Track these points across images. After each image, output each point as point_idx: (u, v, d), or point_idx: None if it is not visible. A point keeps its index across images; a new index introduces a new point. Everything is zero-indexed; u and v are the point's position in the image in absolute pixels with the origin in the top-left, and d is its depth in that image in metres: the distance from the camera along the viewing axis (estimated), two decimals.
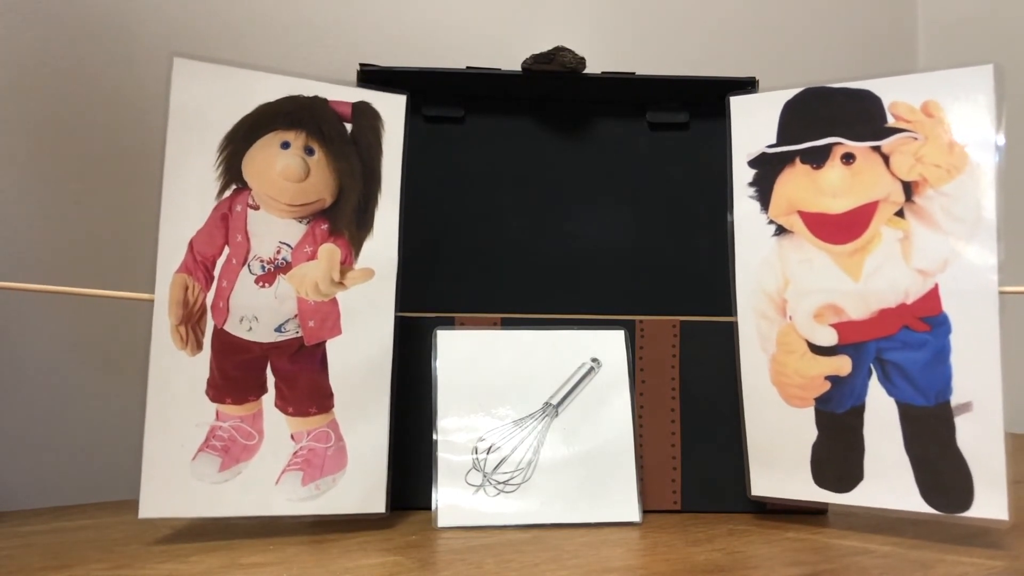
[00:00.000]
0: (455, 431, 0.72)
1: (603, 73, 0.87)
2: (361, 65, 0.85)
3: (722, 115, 0.76)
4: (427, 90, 0.89)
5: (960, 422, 0.65)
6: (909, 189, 0.68)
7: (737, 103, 0.75)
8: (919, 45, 1.45)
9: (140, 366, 0.68)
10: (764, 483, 0.72)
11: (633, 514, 0.71)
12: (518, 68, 0.85)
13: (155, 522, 0.71)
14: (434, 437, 0.72)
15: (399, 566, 0.60)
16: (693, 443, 0.76)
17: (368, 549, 0.64)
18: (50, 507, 0.78)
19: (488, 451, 0.72)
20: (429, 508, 0.70)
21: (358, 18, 1.00)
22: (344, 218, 0.72)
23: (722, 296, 0.76)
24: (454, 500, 0.70)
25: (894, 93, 0.69)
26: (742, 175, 0.74)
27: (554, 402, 0.74)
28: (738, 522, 0.73)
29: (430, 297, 0.87)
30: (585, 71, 0.85)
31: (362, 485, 0.69)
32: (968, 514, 0.64)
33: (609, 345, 0.77)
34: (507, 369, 0.75)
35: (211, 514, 0.66)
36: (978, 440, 0.64)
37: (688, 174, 0.92)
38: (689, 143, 0.92)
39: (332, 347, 0.70)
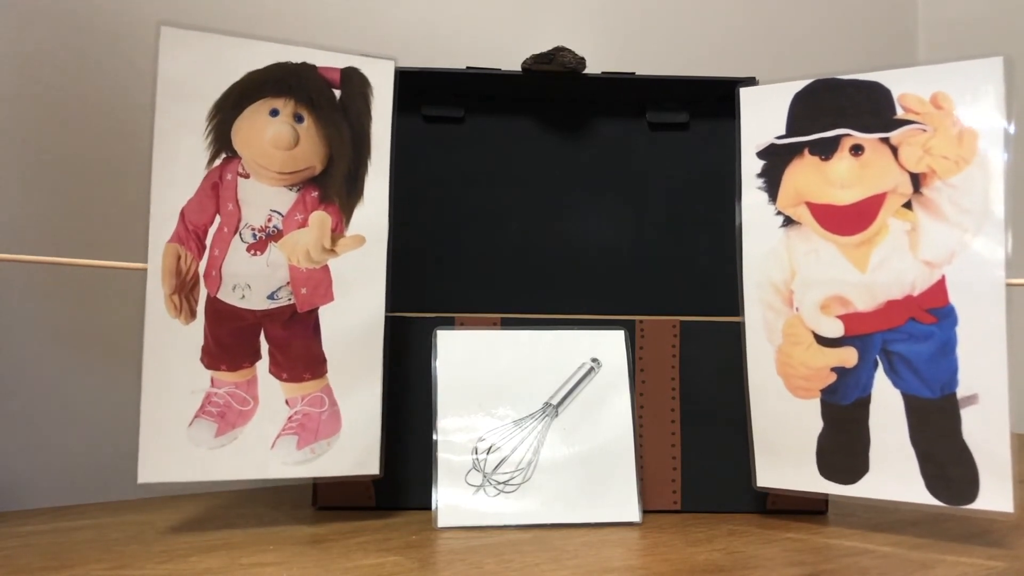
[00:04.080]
0: (455, 431, 0.72)
1: (603, 73, 0.87)
2: None
3: (722, 115, 0.76)
4: (427, 90, 0.89)
5: (966, 414, 0.65)
6: (917, 181, 0.68)
7: (746, 94, 0.75)
8: (919, 44, 1.45)
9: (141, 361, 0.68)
10: (769, 474, 0.72)
11: (633, 514, 0.71)
12: (518, 68, 0.85)
13: (156, 522, 0.71)
14: (434, 437, 0.72)
15: (399, 566, 0.60)
16: (693, 443, 0.76)
17: (368, 549, 0.64)
18: (50, 507, 0.78)
19: (488, 451, 0.72)
20: (429, 508, 0.70)
21: (358, 18, 1.00)
22: (334, 185, 0.72)
23: (722, 296, 0.76)
24: (454, 500, 0.70)
25: (903, 85, 0.69)
26: (750, 166, 0.74)
27: (554, 402, 0.74)
28: (738, 522, 0.73)
29: (430, 297, 0.87)
30: (585, 71, 0.85)
31: (356, 448, 0.70)
32: (973, 506, 0.64)
33: (609, 345, 0.76)
34: (507, 369, 0.75)
35: (208, 478, 0.68)
36: (983, 432, 0.64)
37: (688, 174, 0.92)
38: (689, 143, 0.92)
39: (324, 313, 0.71)
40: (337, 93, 0.73)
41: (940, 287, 0.66)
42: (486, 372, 0.75)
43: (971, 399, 0.65)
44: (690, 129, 0.92)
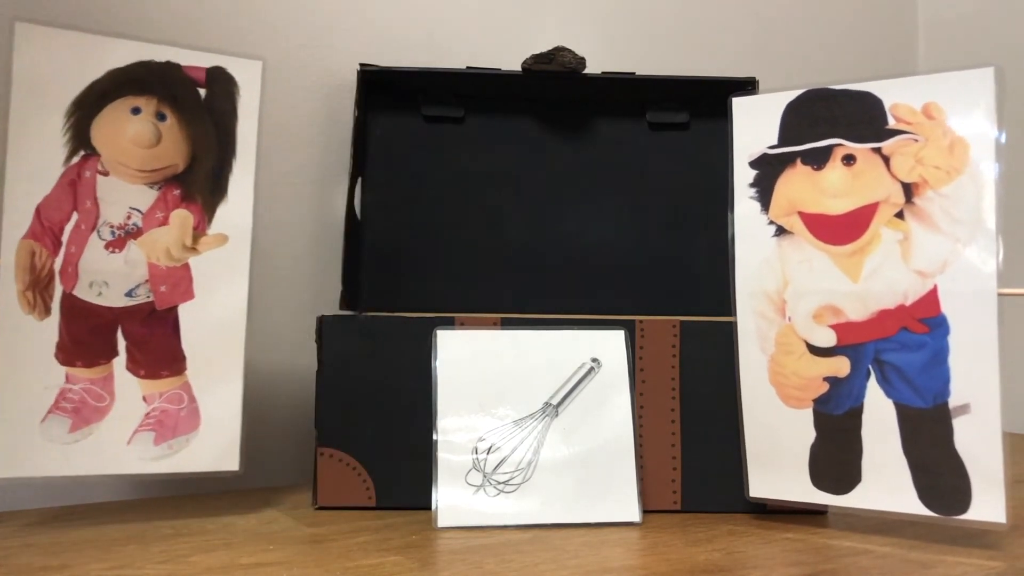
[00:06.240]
0: (455, 431, 0.72)
1: (603, 73, 0.87)
2: (361, 65, 0.86)
3: (722, 115, 0.76)
4: (427, 90, 0.89)
5: (958, 424, 0.65)
6: (909, 190, 0.68)
7: (739, 104, 0.75)
8: (919, 44, 1.45)
9: None
10: (762, 484, 0.72)
11: (633, 514, 0.71)
12: (518, 68, 0.85)
13: (156, 522, 0.71)
14: (434, 437, 0.72)
15: (399, 566, 0.60)
16: (693, 443, 0.76)
17: (368, 549, 0.64)
18: (50, 507, 0.78)
19: (488, 451, 0.72)
20: (429, 508, 0.70)
21: (358, 18, 1.00)
22: (197, 184, 0.72)
23: (722, 296, 0.76)
24: (454, 500, 0.70)
25: (895, 95, 0.69)
26: (743, 175, 0.74)
27: (554, 402, 0.74)
28: (738, 522, 0.73)
29: (430, 297, 0.87)
30: (585, 71, 0.85)
31: (215, 444, 0.71)
32: (965, 517, 0.64)
33: (609, 345, 0.76)
34: (507, 369, 0.75)
35: (62, 474, 0.68)
36: (976, 442, 0.64)
37: (688, 174, 0.92)
38: (689, 143, 0.92)
39: (184, 311, 0.72)
40: (203, 92, 0.73)
41: (932, 296, 0.66)
42: (486, 372, 0.75)
43: (963, 409, 0.65)
44: (690, 129, 0.92)
